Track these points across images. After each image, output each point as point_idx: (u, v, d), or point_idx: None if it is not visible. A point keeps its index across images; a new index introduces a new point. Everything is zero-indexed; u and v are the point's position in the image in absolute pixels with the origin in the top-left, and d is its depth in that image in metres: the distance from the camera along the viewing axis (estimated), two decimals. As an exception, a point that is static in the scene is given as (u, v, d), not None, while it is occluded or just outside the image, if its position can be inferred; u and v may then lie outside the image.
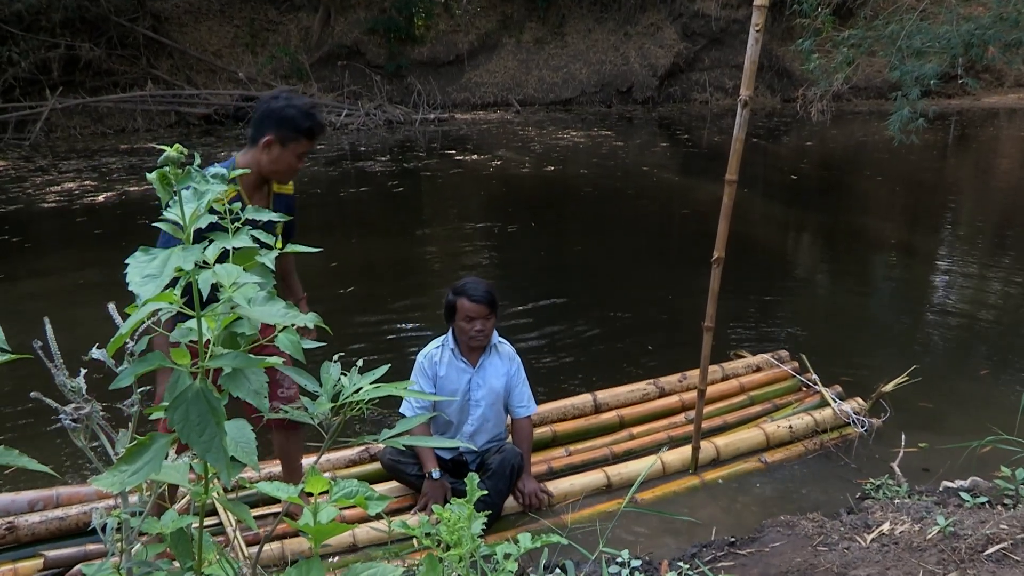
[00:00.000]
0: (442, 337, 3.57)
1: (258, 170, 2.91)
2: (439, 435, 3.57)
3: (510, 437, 3.74)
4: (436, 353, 3.54)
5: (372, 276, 7.36)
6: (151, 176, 1.04)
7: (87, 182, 11.31)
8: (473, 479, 1.44)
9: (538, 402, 4.05)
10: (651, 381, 4.47)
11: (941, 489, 3.35)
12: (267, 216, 1.37)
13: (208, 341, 1.15)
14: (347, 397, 1.51)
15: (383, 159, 13.21)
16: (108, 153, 13.78)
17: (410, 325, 5.94)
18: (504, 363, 3.57)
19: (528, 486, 3.50)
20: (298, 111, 2.80)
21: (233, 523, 3.13)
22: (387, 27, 19.19)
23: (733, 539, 3.06)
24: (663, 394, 4.43)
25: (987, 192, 11.57)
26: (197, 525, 1.29)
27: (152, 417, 1.17)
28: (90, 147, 14.49)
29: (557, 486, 3.59)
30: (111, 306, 1.25)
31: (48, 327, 1.23)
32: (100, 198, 10.27)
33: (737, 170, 3.19)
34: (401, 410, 3.46)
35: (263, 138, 2.84)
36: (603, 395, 4.33)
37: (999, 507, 3.03)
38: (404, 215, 9.91)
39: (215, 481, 1.26)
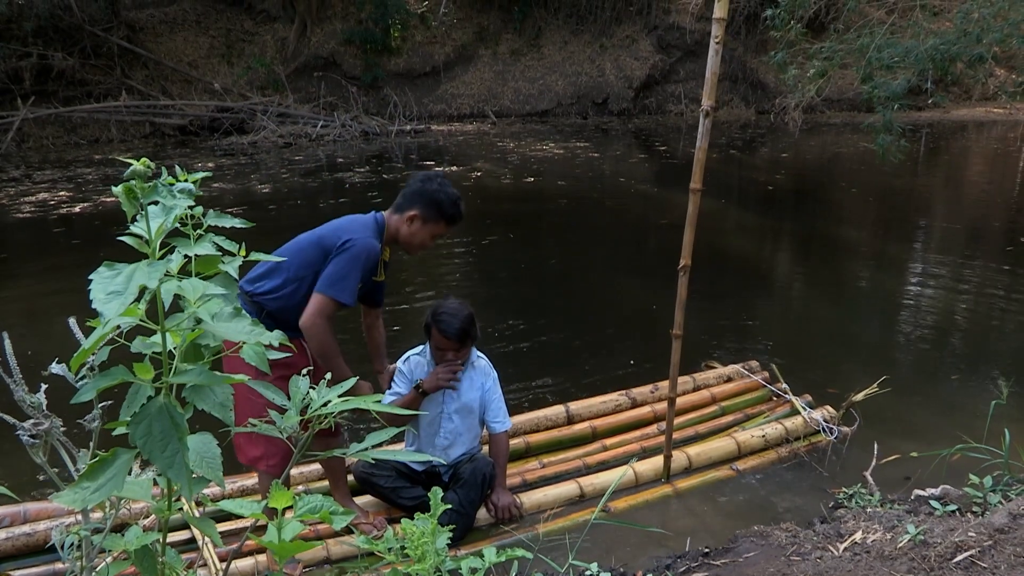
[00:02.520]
0: (422, 346, 3.56)
1: (394, 235, 3.18)
2: (413, 448, 3.56)
3: (485, 448, 3.73)
4: (415, 361, 3.55)
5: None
6: (117, 190, 1.03)
7: (62, 193, 11.20)
8: (437, 493, 1.43)
9: (512, 413, 4.05)
10: (623, 392, 4.49)
11: (912, 497, 3.38)
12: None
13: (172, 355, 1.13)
14: (315, 410, 1.51)
15: (361, 170, 13.18)
16: (83, 164, 13.64)
17: (388, 335, 5.89)
18: (479, 377, 3.55)
19: (502, 500, 3.49)
20: (447, 198, 3.15)
21: (206, 538, 3.09)
22: (363, 38, 19.18)
23: (707, 549, 3.06)
24: (635, 405, 4.45)
25: (957, 203, 11.74)
26: (165, 542, 1.27)
27: (115, 432, 1.15)
28: (64, 157, 14.33)
29: (530, 497, 3.59)
30: (71, 320, 1.23)
31: (6, 341, 1.21)
32: (76, 209, 10.17)
33: (701, 179, 3.25)
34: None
35: (409, 211, 3.13)
36: (576, 406, 4.33)
37: (968, 514, 3.07)
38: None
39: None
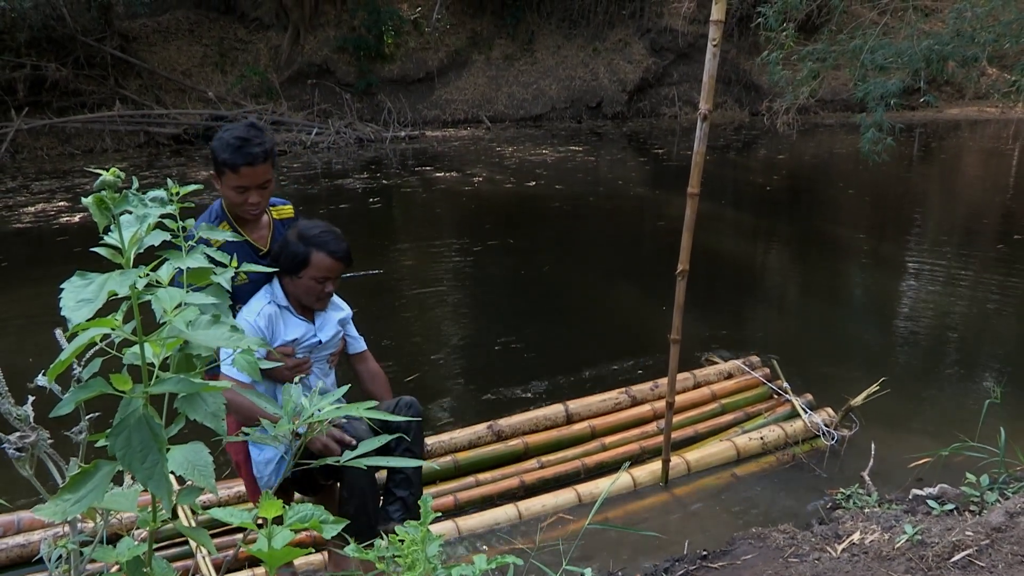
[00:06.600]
0: (264, 294, 2.79)
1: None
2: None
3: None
4: (271, 311, 2.76)
5: (350, 293, 7.31)
6: (87, 200, 1.02)
7: (61, 202, 11.21)
8: (427, 501, 1.42)
9: (510, 414, 4.04)
10: (623, 390, 4.46)
11: (910, 497, 3.38)
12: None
13: (153, 365, 1.12)
14: (307, 418, 1.50)
15: (360, 176, 13.17)
16: (79, 174, 13.62)
17: (388, 342, 5.88)
18: (335, 311, 3.00)
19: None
20: (219, 143, 2.57)
21: (202, 547, 3.07)
22: (356, 45, 19.17)
23: (705, 552, 3.06)
24: (635, 403, 4.42)
25: (952, 202, 11.77)
26: (159, 552, 1.26)
27: (97, 444, 1.14)
28: (60, 168, 14.32)
29: (528, 506, 3.56)
30: (58, 332, 1.23)
31: (-9, 353, 1.20)
32: (75, 218, 10.17)
33: (699, 183, 3.23)
34: (228, 372, 2.49)
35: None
36: (575, 405, 4.31)
37: (966, 513, 3.07)
38: (382, 231, 9.88)
39: (182, 506, 1.24)
